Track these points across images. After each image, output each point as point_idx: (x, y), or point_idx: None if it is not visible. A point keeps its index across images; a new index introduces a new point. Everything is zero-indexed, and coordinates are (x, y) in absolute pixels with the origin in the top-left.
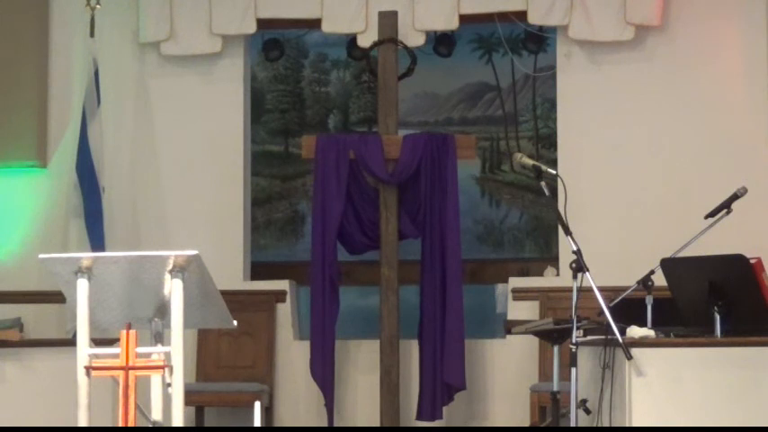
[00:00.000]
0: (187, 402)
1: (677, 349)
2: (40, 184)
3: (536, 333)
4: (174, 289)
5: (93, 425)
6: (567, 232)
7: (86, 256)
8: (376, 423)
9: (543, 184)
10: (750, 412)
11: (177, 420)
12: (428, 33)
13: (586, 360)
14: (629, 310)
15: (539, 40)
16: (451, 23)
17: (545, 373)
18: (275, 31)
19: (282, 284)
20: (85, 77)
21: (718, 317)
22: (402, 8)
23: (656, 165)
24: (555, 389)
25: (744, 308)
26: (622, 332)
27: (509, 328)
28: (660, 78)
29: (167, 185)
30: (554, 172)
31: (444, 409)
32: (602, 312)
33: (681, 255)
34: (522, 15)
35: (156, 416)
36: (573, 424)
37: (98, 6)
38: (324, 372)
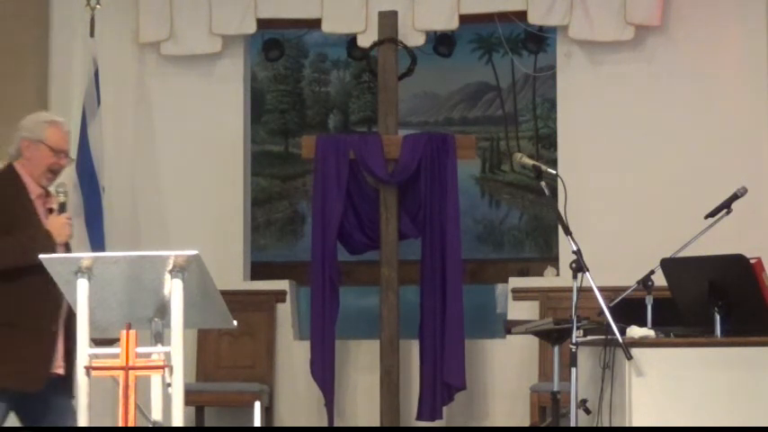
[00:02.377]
0: (187, 402)
1: (677, 349)
2: None
3: (536, 333)
4: (174, 289)
5: (93, 425)
6: (567, 232)
7: (86, 256)
8: (376, 423)
9: (543, 184)
10: (750, 412)
11: (177, 420)
12: (428, 33)
13: (586, 360)
14: (629, 310)
15: (539, 40)
16: (451, 23)
17: (545, 373)
18: (275, 31)
19: (282, 284)
20: (85, 77)
21: (718, 317)
22: (402, 8)
23: (656, 165)
24: (555, 389)
25: (744, 308)
26: (622, 332)
27: (509, 328)
28: (660, 78)
29: (167, 185)
30: (554, 172)
31: (444, 409)
32: (602, 312)
33: (681, 255)
34: (522, 15)
35: (156, 416)
36: (573, 424)
37: (98, 6)
38: (324, 372)
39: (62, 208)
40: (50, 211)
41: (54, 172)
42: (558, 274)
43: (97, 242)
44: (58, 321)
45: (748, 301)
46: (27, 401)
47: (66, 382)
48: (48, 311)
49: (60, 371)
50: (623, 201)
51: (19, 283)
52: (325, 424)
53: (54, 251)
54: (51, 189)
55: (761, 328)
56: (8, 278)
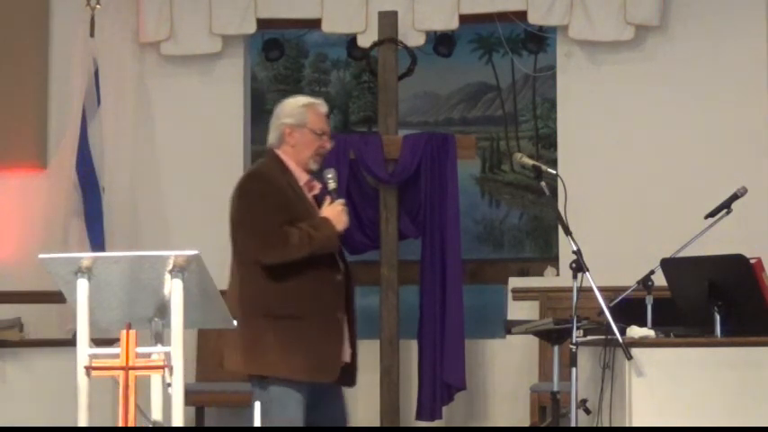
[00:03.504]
0: (187, 402)
1: (677, 349)
2: (40, 184)
3: (536, 333)
4: (174, 289)
5: (93, 425)
6: (567, 232)
7: (86, 256)
8: (376, 423)
9: (543, 183)
10: (750, 412)
11: (177, 420)
12: (428, 33)
13: (586, 360)
14: (629, 310)
15: (539, 40)
16: (451, 23)
17: (545, 373)
18: (275, 31)
19: None
20: (85, 77)
21: (718, 317)
22: (402, 8)
23: (656, 165)
24: (555, 389)
25: (744, 308)
26: (622, 332)
27: (509, 328)
28: (660, 78)
29: (167, 185)
30: (554, 172)
31: (444, 408)
32: (602, 312)
33: (681, 255)
34: (522, 15)
35: (156, 416)
36: (573, 424)
37: (98, 6)
38: None
39: (334, 195)
40: (315, 198)
41: (320, 155)
42: (558, 274)
43: (97, 242)
44: (343, 308)
45: (748, 301)
46: (316, 392)
47: (350, 369)
48: (333, 299)
49: (347, 358)
50: (623, 201)
51: (305, 273)
52: None
53: (337, 240)
54: (320, 176)
55: (761, 328)
56: (295, 270)
